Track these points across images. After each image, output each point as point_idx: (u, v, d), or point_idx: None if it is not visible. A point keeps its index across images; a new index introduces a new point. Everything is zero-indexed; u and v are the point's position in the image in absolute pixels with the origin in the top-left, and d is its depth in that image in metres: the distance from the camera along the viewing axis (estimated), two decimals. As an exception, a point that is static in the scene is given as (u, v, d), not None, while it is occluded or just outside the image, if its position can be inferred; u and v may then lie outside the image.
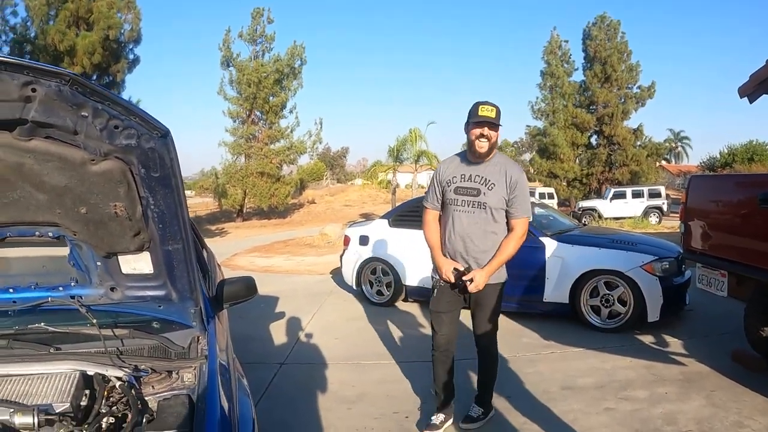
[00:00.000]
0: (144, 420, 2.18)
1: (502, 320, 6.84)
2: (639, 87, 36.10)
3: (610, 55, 35.14)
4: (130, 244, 2.39)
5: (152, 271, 2.55)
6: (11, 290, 2.66)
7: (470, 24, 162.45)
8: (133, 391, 2.29)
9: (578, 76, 37.29)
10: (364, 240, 8.55)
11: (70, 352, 2.54)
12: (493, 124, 3.63)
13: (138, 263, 2.52)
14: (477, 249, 3.79)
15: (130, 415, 2.24)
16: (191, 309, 2.67)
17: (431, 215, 4.06)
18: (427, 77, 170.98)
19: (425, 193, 4.28)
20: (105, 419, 2.19)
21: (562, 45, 36.91)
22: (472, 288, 3.74)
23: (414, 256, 7.77)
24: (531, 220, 3.95)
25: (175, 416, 2.16)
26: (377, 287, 8.39)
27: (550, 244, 6.94)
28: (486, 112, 3.62)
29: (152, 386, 2.37)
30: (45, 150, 2.03)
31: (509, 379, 5.07)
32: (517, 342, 6.24)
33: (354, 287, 8.73)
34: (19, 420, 2.09)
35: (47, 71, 1.83)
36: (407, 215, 8.31)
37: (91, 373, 2.43)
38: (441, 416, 4.12)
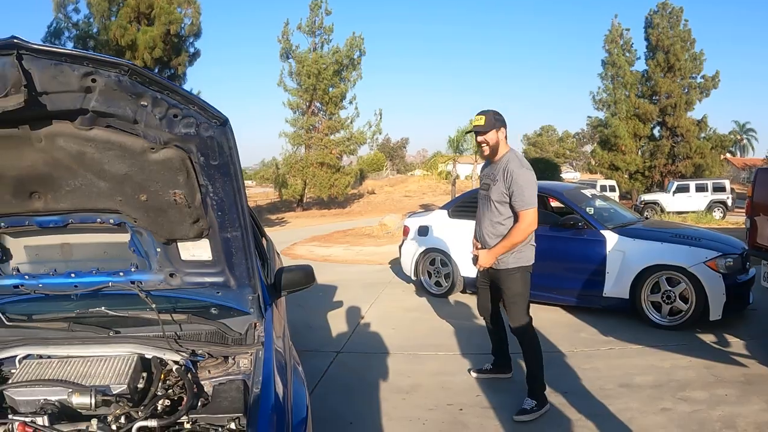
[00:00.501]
0: (199, 403, 2.22)
1: (560, 314, 6.88)
2: (703, 77, 34.71)
3: (672, 44, 33.89)
4: (189, 231, 2.42)
5: (211, 258, 2.58)
6: (73, 275, 2.73)
7: (530, 13, 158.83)
8: (189, 375, 2.33)
9: (640, 66, 36.16)
10: (423, 230, 8.51)
11: (129, 336, 2.62)
12: (481, 132, 4.15)
13: (197, 250, 2.55)
14: (485, 234, 4.40)
15: (185, 399, 2.28)
16: (249, 296, 2.69)
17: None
18: (486, 67, 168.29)
19: None
20: (161, 402, 2.24)
21: (624, 33, 35.79)
22: (477, 264, 4.49)
23: (470, 247, 7.68)
24: (532, 209, 4.18)
25: (230, 401, 2.19)
26: (435, 278, 8.35)
27: (611, 238, 6.74)
28: (475, 121, 4.19)
29: (208, 371, 2.42)
30: (105, 139, 2.07)
31: (566, 374, 4.99)
32: (575, 337, 6.13)
33: (412, 278, 8.71)
34: (77, 400, 2.17)
35: (106, 62, 1.86)
36: (467, 206, 8.12)
37: (148, 356, 2.50)
38: (488, 365, 5.04)
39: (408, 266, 8.70)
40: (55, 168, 2.19)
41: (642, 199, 29.16)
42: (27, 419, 2.11)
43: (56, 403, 2.22)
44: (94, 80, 1.87)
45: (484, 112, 4.16)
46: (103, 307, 2.73)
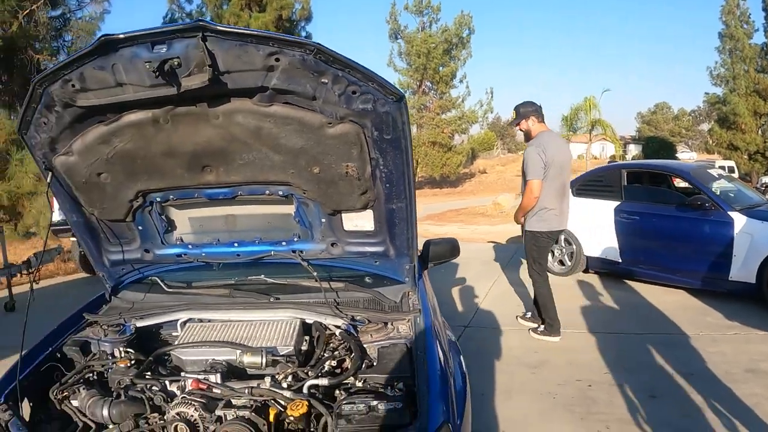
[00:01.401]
0: (363, 365, 2.36)
1: (685, 297, 6.79)
2: (828, 49, 31.29)
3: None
4: (356, 203, 2.51)
5: (373, 228, 2.67)
6: (236, 244, 2.91)
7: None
8: (352, 338, 2.49)
9: (759, 38, 33.25)
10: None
11: (290, 302, 2.80)
12: (514, 123, 5.44)
13: (360, 220, 2.65)
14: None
15: (348, 361, 2.45)
16: (406, 265, 2.79)
17: None
18: (599, 41, 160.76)
19: None
20: (327, 362, 2.41)
21: (740, 4, 33.17)
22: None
23: (597, 227, 7.65)
24: (535, 180, 5.10)
25: (396, 362, 2.33)
26: (559, 257, 8.29)
27: (739, 220, 6.44)
28: (512, 115, 5.50)
29: (370, 335, 2.55)
30: (285, 114, 2.18)
31: (692, 357, 4.92)
32: (700, 320, 5.98)
33: (535, 255, 8.65)
34: (248, 359, 2.38)
35: (292, 42, 1.95)
36: (591, 184, 8.11)
37: (309, 321, 2.69)
38: (528, 314, 6.02)
39: (530, 244, 8.66)
40: (230, 143, 2.32)
41: (763, 182, 27.01)
42: (200, 376, 2.34)
43: (224, 363, 2.44)
44: (277, 59, 1.96)
45: (515, 107, 5.41)
46: (262, 275, 2.94)
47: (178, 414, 2.14)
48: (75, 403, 2.38)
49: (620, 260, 7.52)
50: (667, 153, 33.01)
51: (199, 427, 2.13)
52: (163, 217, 2.78)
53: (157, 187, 2.57)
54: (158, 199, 2.66)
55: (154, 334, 2.87)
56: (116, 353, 2.64)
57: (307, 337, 2.64)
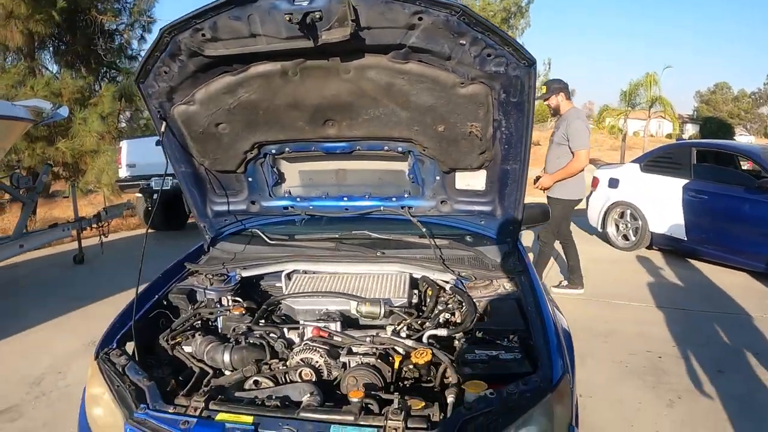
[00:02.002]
0: (475, 318, 2.37)
1: (748, 279, 6.70)
2: None
3: None
4: (474, 162, 2.55)
5: (484, 188, 2.70)
6: (345, 198, 2.96)
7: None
8: (463, 293, 2.51)
9: None
10: (613, 183, 8.35)
11: (397, 256, 2.81)
12: (544, 98, 5.72)
13: (473, 180, 2.68)
14: (548, 165, 5.80)
15: (457, 314, 2.47)
16: (510, 226, 2.81)
17: None
18: (658, 14, 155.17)
19: None
20: (442, 315, 2.44)
21: None
22: (537, 184, 5.83)
23: (664, 203, 7.54)
24: (584, 150, 5.49)
25: (509, 316, 2.34)
26: (623, 231, 8.23)
27: None
28: (541, 90, 5.72)
29: (479, 290, 2.57)
30: (420, 72, 2.19)
31: (757, 337, 4.92)
32: (765, 303, 5.87)
33: (599, 229, 8.63)
34: (366, 309, 2.41)
35: (439, 3, 1.94)
36: (660, 161, 7.97)
37: (417, 275, 2.72)
38: (565, 282, 6.18)
39: (595, 217, 8.62)
40: (357, 98, 2.33)
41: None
42: (321, 324, 2.37)
43: (337, 313, 2.48)
44: (420, 18, 1.96)
45: (546, 83, 5.82)
46: (366, 231, 2.96)
47: (302, 360, 2.18)
48: (188, 348, 2.40)
49: (685, 238, 7.41)
50: (725, 135, 31.98)
51: (323, 372, 2.17)
52: (274, 169, 2.83)
53: (275, 139, 2.61)
54: (273, 152, 2.71)
55: (254, 285, 2.93)
56: (224, 301, 2.71)
57: (415, 291, 2.67)
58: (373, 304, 2.42)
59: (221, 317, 2.60)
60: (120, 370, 2.10)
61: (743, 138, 50.61)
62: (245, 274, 2.83)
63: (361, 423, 1.76)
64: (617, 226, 8.28)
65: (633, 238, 8.09)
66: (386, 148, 2.64)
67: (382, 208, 2.93)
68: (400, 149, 2.64)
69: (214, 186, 2.89)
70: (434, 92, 2.26)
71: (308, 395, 1.96)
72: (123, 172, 9.65)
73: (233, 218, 3.08)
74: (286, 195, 2.98)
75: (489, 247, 2.89)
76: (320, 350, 2.19)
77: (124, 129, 13.59)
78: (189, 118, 2.47)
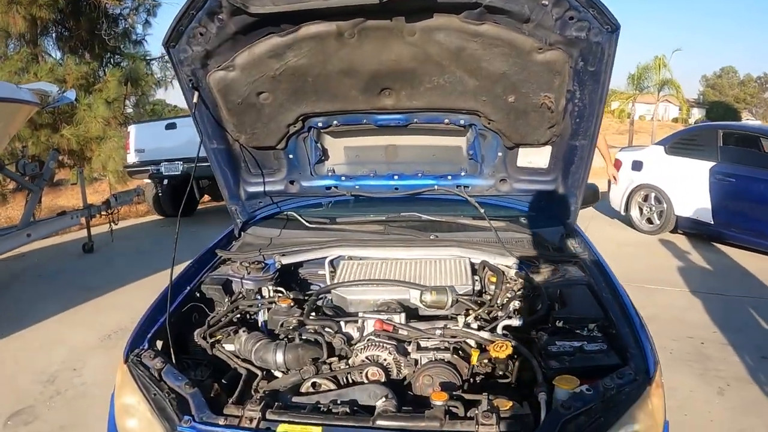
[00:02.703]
0: (548, 306, 2.17)
1: None
2: None
3: None
4: (541, 137, 2.35)
5: (546, 166, 2.51)
6: (396, 177, 2.71)
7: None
8: (530, 279, 2.30)
9: None
10: (637, 165, 8.16)
11: (453, 239, 2.58)
12: None
13: (536, 156, 2.48)
14: None
15: (524, 301, 2.25)
16: (572, 206, 2.60)
17: None
18: (664, 1, 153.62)
19: None
20: (511, 304, 2.20)
21: None
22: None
23: (690, 186, 7.39)
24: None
25: (583, 303, 2.15)
26: (647, 215, 8.07)
27: None
28: None
29: (544, 276, 2.36)
30: (495, 35, 1.97)
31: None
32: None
33: (622, 212, 8.44)
34: (433, 298, 2.13)
35: None
36: (686, 143, 7.83)
37: (476, 260, 2.48)
38: None
39: (618, 201, 8.42)
40: (421, 63, 2.12)
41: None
42: (383, 316, 2.09)
43: (396, 303, 2.22)
44: None
45: None
46: (415, 213, 2.74)
47: (368, 357, 1.94)
48: (230, 347, 2.10)
49: (712, 222, 7.26)
50: (731, 119, 31.61)
51: (392, 371, 1.92)
52: (318, 144, 2.59)
53: (323, 111, 2.37)
54: (319, 125, 2.48)
55: (293, 274, 2.68)
56: (264, 292, 2.44)
57: (475, 277, 2.43)
58: (440, 293, 2.15)
59: (264, 310, 2.33)
60: (156, 375, 1.82)
61: (750, 123, 50.56)
62: (285, 261, 2.57)
63: (448, 430, 1.55)
64: (641, 209, 8.12)
65: (657, 222, 7.94)
66: (446, 121, 2.42)
67: (436, 187, 2.70)
68: (462, 122, 2.42)
69: (249, 165, 2.65)
70: (509, 58, 2.05)
71: (383, 399, 1.70)
72: (131, 158, 9.43)
73: (269, 200, 2.84)
74: (330, 174, 2.74)
75: (547, 229, 2.69)
76: (388, 346, 1.94)
77: (130, 114, 13.38)
78: (227, 86, 2.22)
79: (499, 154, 2.55)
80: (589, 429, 1.54)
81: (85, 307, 5.44)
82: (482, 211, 2.60)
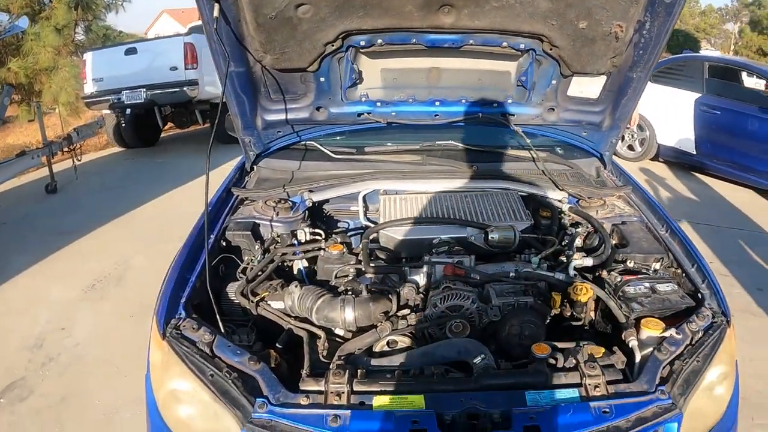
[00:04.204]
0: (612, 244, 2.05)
1: (754, 196, 6.88)
2: None
3: None
4: (602, 66, 2.18)
5: (597, 96, 2.35)
6: (437, 103, 2.47)
7: None
8: (586, 215, 2.19)
9: None
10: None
11: (497, 171, 2.44)
12: None
13: (588, 86, 2.32)
14: None
15: (580, 241, 2.13)
16: (613, 138, 2.51)
17: None
18: None
19: None
20: (576, 241, 2.09)
21: None
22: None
23: (673, 115, 7.43)
24: None
25: (643, 240, 2.05)
26: (629, 141, 8.07)
27: None
28: None
29: (596, 211, 2.24)
30: None
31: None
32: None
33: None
34: (500, 236, 2.00)
35: None
36: (671, 72, 7.77)
37: (523, 193, 2.34)
38: None
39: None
40: None
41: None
42: (452, 260, 1.92)
43: (453, 242, 2.05)
44: None
45: None
46: (451, 140, 2.55)
47: (449, 308, 1.74)
48: (276, 304, 1.82)
49: (695, 152, 7.35)
50: (691, 48, 31.61)
51: (474, 320, 1.74)
52: (354, 66, 2.26)
53: (369, 27, 2.05)
54: (362, 44, 2.15)
55: (318, 211, 2.44)
56: (300, 235, 2.16)
57: (528, 211, 2.27)
58: (506, 231, 2.00)
59: (311, 257, 2.08)
60: (207, 350, 1.53)
61: (709, 52, 51.03)
62: (316, 198, 2.32)
63: (558, 383, 1.42)
64: (622, 136, 8.04)
65: (639, 149, 7.98)
66: (504, 44, 2.17)
67: (480, 115, 2.49)
68: (522, 46, 2.18)
69: (270, 89, 2.31)
70: None
71: (480, 357, 1.52)
72: (89, 88, 8.77)
73: (289, 129, 2.52)
74: (363, 99, 2.44)
75: (581, 160, 2.58)
76: (468, 294, 1.74)
77: (81, 42, 12.43)
78: None
79: (553, 82, 2.35)
80: (684, 373, 1.48)
81: (60, 255, 4.94)
82: (528, 141, 2.44)
